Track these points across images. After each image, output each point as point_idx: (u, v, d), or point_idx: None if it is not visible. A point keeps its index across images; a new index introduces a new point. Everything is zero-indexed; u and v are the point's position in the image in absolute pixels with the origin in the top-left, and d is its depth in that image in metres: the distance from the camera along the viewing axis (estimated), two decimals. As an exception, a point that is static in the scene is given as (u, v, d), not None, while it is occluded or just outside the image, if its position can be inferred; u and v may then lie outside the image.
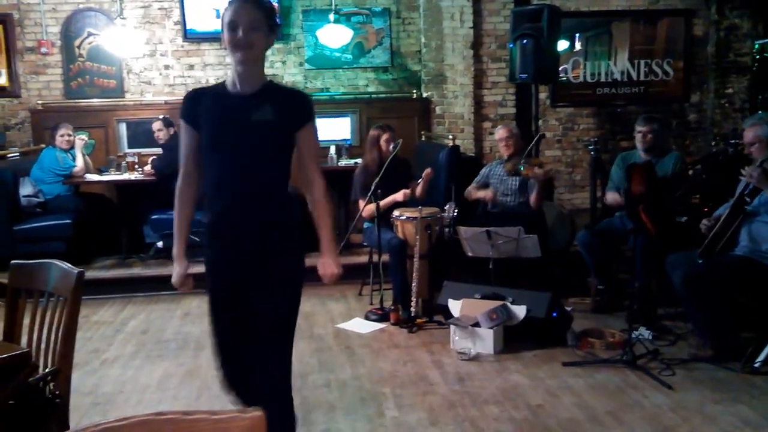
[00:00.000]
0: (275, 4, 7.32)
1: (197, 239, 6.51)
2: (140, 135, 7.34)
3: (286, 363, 2.57)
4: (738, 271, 4.07)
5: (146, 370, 4.28)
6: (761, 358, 3.92)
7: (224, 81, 2.55)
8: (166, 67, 7.49)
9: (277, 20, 2.49)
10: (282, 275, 2.49)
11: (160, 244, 6.48)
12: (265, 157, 2.47)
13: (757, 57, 6.87)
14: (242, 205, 2.46)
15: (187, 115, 2.52)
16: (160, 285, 6.02)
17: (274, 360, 2.52)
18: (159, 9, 7.39)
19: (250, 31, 2.36)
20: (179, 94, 7.46)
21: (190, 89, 2.66)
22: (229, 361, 2.58)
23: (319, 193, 2.56)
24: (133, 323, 5.26)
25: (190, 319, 5.29)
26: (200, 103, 2.50)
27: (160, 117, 6.65)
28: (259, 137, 2.43)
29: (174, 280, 2.63)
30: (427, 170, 5.26)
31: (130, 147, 7.32)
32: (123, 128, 7.43)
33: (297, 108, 2.51)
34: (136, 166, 6.66)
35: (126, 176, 6.61)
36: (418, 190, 5.28)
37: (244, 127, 2.42)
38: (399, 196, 5.24)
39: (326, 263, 2.58)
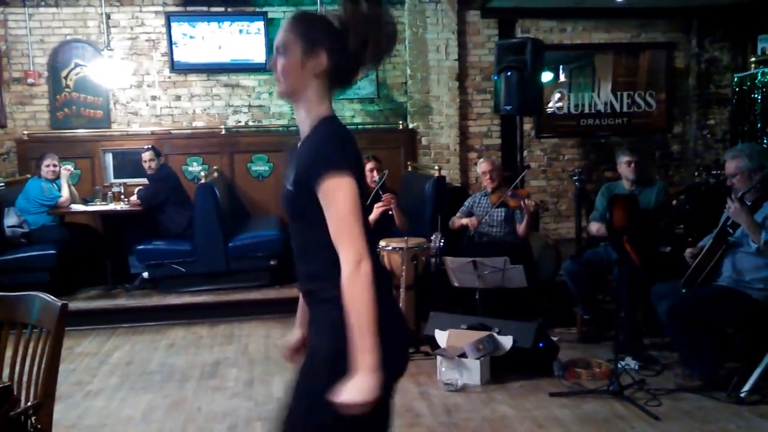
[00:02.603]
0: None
1: (182, 269, 6.52)
2: (126, 165, 7.34)
3: None
4: (722, 302, 4.09)
5: (130, 402, 4.23)
6: (747, 387, 3.94)
7: None
8: (153, 98, 7.51)
9: (319, 32, 1.86)
10: (307, 373, 1.88)
11: (145, 274, 6.45)
12: (300, 232, 1.93)
13: (737, 89, 6.99)
14: (300, 285, 2.01)
15: None
16: (144, 316, 6.01)
17: None
18: (146, 41, 7.44)
19: (276, 57, 1.88)
20: (166, 125, 7.50)
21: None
22: None
23: (343, 278, 1.74)
24: (117, 354, 5.20)
25: (175, 351, 5.25)
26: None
27: (149, 147, 6.65)
28: (287, 209, 1.93)
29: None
30: (385, 195, 5.29)
31: (116, 177, 7.32)
32: (109, 158, 7.43)
33: (307, 163, 1.81)
34: (122, 197, 6.65)
35: (112, 206, 6.59)
36: (396, 219, 5.31)
37: (282, 196, 1.95)
38: (378, 212, 5.26)
39: (347, 385, 1.71)
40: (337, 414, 1.72)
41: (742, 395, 3.92)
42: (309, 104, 1.89)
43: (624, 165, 5.20)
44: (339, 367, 1.74)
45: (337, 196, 1.76)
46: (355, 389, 1.69)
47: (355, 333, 1.72)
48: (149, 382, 4.57)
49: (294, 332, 2.20)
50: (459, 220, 5.55)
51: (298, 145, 1.94)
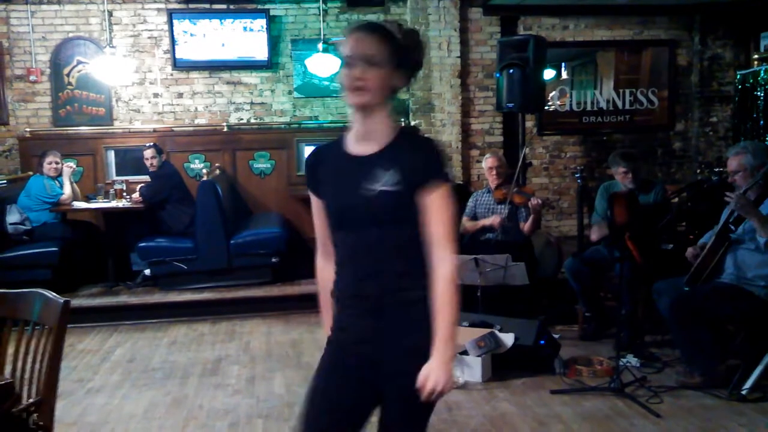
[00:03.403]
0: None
1: (184, 267, 6.51)
2: (129, 162, 7.35)
3: None
4: (724, 298, 4.09)
5: (132, 399, 4.24)
6: (748, 385, 3.94)
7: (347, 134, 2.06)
8: (155, 95, 7.51)
9: (413, 51, 1.98)
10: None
11: (147, 271, 6.45)
12: (392, 233, 1.97)
13: (740, 87, 6.97)
14: (363, 294, 2.00)
15: (309, 183, 2.10)
16: (146, 313, 6.03)
17: None
18: (148, 38, 7.44)
19: (363, 67, 1.90)
20: (168, 122, 7.50)
21: (312, 150, 2.14)
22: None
23: (444, 274, 1.93)
24: (119, 351, 5.21)
25: (176, 348, 5.26)
26: (320, 167, 2.08)
27: (151, 144, 6.66)
28: (373, 211, 1.95)
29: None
30: None
31: (118, 174, 7.33)
32: (111, 156, 7.44)
33: (420, 166, 1.94)
34: (124, 194, 6.66)
35: (114, 204, 6.60)
36: None
37: (359, 199, 1.95)
38: None
39: (431, 369, 1.91)
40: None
41: (744, 393, 3.92)
42: (383, 115, 1.97)
43: (621, 175, 5.15)
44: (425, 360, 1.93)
45: (447, 202, 1.96)
46: (446, 374, 1.91)
47: (449, 326, 1.92)
48: (151, 380, 4.58)
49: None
50: (473, 224, 5.49)
51: (373, 152, 1.98)
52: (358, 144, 2.00)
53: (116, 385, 4.50)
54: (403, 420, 2.02)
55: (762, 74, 6.62)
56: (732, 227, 4.14)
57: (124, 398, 4.27)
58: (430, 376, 1.89)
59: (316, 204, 2.10)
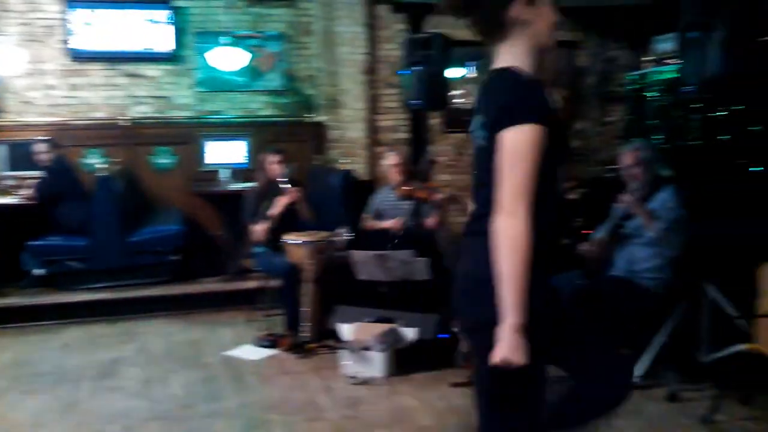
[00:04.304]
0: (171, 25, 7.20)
1: (79, 265, 6.24)
2: (23, 157, 6.94)
3: None
4: (616, 291, 4.25)
5: (20, 406, 4.04)
6: (640, 372, 4.09)
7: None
8: (50, 86, 7.17)
9: None
10: None
11: (38, 271, 6.13)
12: None
13: (631, 88, 7.27)
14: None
15: (547, 116, 1.89)
16: (37, 315, 5.75)
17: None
18: (42, 27, 7.09)
19: None
20: (62, 115, 7.17)
21: (530, 78, 1.97)
22: None
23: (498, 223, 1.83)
24: (6, 356, 4.95)
25: (69, 351, 5.04)
26: (553, 112, 1.94)
27: (44, 138, 6.36)
28: None
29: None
30: (290, 189, 5.25)
31: (12, 170, 6.92)
32: (3, 150, 7.03)
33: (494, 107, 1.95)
34: (15, 190, 6.33)
35: (2, 200, 6.27)
36: (303, 213, 5.27)
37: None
38: (282, 205, 5.22)
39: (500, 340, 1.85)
40: None
41: (635, 380, 4.06)
42: None
43: None
44: None
45: (513, 143, 1.96)
46: (508, 346, 1.89)
47: (501, 280, 1.90)
48: (41, 384, 4.37)
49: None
50: (377, 223, 5.49)
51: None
52: None
53: (2, 391, 4.28)
54: None
55: (651, 76, 6.91)
56: (623, 222, 4.30)
57: (11, 405, 4.06)
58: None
59: (541, 151, 1.83)
